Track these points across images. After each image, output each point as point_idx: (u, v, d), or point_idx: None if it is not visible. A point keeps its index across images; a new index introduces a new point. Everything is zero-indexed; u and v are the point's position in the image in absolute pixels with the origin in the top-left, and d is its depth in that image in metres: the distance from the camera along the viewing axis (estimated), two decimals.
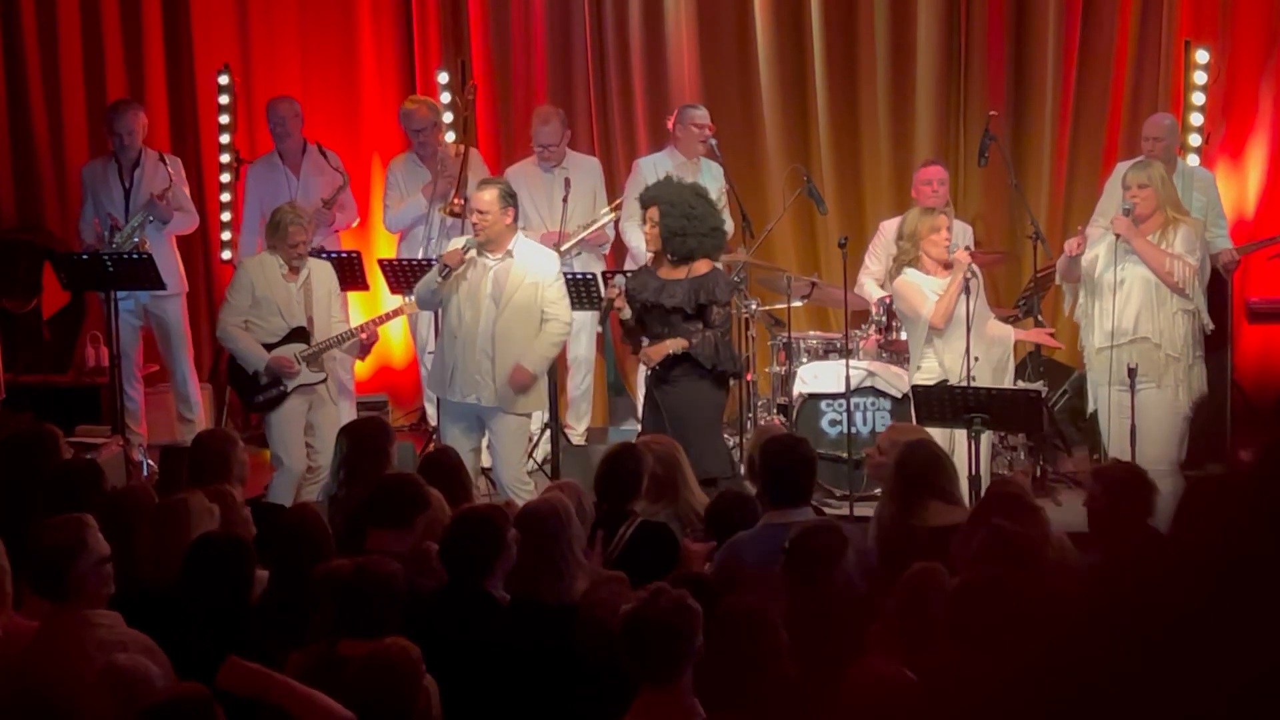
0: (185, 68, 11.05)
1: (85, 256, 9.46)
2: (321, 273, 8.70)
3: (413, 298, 8.63)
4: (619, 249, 10.10)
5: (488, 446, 8.40)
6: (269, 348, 8.50)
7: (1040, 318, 9.37)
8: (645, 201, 8.14)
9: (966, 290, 8.06)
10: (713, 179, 9.85)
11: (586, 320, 9.88)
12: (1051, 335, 8.99)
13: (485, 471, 8.64)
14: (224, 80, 10.78)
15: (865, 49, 10.60)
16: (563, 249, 9.26)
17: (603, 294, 8.53)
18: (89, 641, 4.67)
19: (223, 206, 10.92)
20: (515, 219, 8.24)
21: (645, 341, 8.17)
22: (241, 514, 6.03)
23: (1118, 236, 7.95)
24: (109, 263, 9.27)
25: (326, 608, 4.95)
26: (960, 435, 7.74)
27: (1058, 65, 10.37)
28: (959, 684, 2.04)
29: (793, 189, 9.83)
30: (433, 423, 9.55)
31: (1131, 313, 8.00)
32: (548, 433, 9.25)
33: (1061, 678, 1.86)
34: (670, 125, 10.05)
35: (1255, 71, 10.33)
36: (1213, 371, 8.53)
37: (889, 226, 9.66)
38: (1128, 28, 10.33)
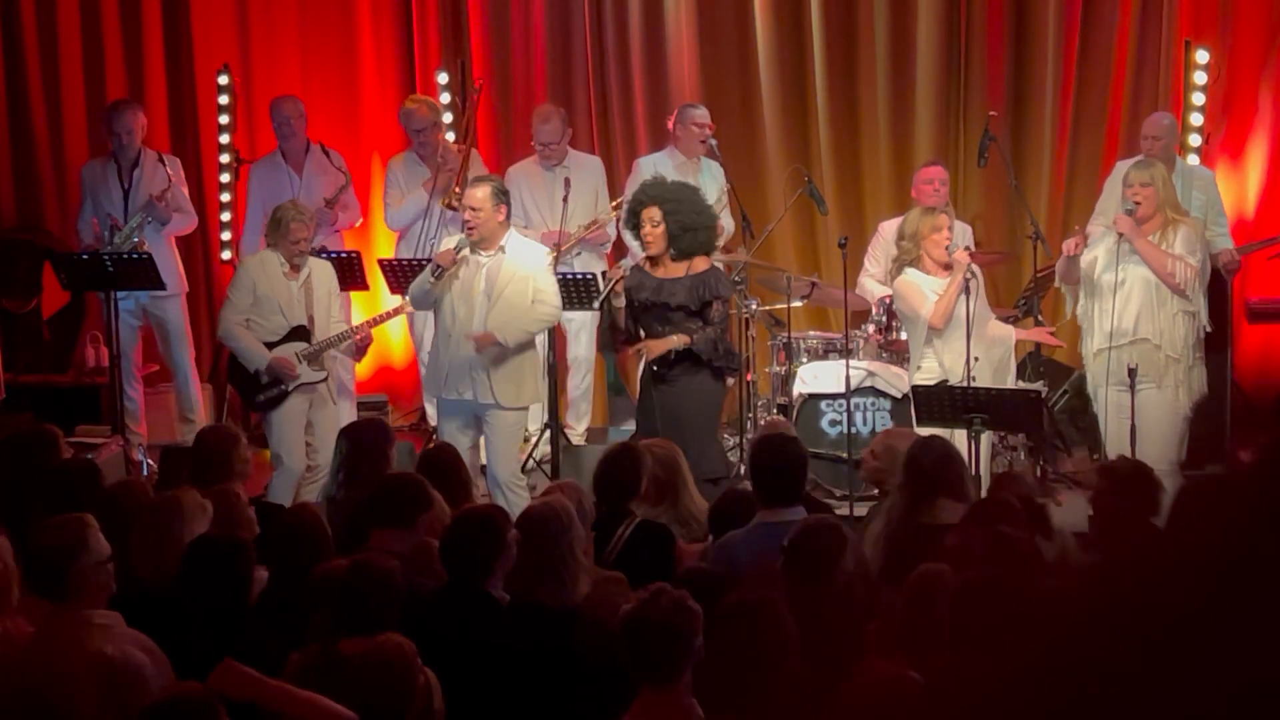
0: (185, 68, 11.04)
1: (85, 257, 9.46)
2: (322, 272, 8.70)
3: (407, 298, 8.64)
4: (619, 249, 10.09)
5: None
6: (270, 346, 8.50)
7: (1040, 318, 9.37)
8: (641, 203, 8.12)
9: (966, 290, 8.08)
10: (713, 179, 9.86)
11: (586, 320, 9.89)
12: (1052, 334, 8.99)
13: (484, 470, 8.63)
14: (224, 80, 10.78)
15: (865, 49, 10.60)
16: (563, 249, 9.27)
17: (602, 289, 8.51)
18: (90, 641, 4.67)
19: (223, 206, 10.92)
20: (507, 216, 8.24)
21: (644, 335, 8.15)
22: (246, 513, 6.03)
23: (1120, 236, 7.94)
24: (109, 263, 9.27)
25: (326, 609, 4.95)
26: (960, 435, 7.74)
27: (1058, 65, 10.37)
28: (962, 685, 2.04)
29: (793, 189, 9.83)
30: (432, 423, 9.55)
31: (1132, 313, 8.00)
32: (548, 433, 9.25)
33: (1062, 678, 1.86)
34: (670, 125, 10.05)
35: (1255, 72, 10.33)
36: (1213, 371, 8.53)
37: (888, 227, 9.66)
38: (1128, 28, 10.33)
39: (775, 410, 9.34)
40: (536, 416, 9.71)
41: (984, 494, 6.88)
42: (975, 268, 8.28)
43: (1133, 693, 1.81)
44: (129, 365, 9.85)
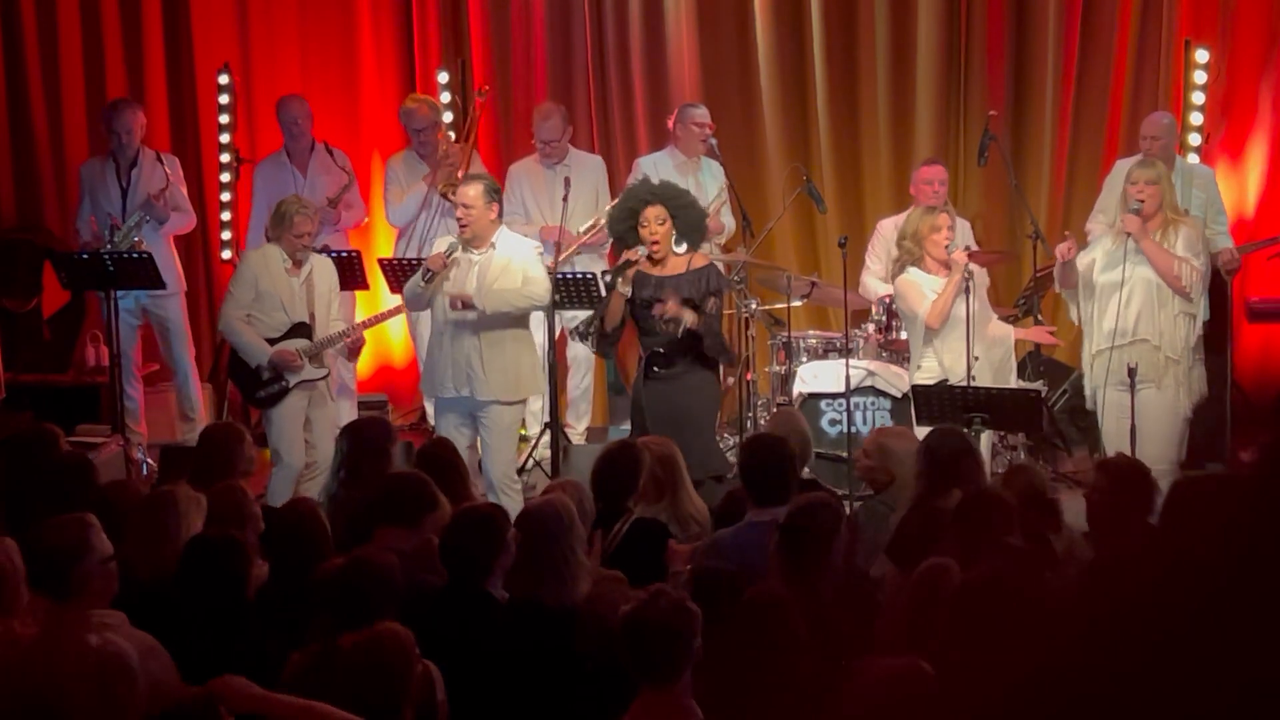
0: (185, 67, 11.05)
1: (85, 256, 9.45)
2: (323, 269, 8.69)
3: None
4: (619, 248, 10.08)
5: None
6: (271, 343, 8.49)
7: (1040, 317, 9.37)
8: (645, 201, 8.10)
9: (967, 290, 8.09)
10: (713, 178, 9.86)
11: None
12: (1051, 334, 8.99)
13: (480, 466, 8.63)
14: (224, 80, 10.79)
15: (865, 48, 10.60)
16: (563, 254, 9.27)
17: (603, 293, 8.51)
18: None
19: (223, 206, 10.92)
20: (499, 215, 8.25)
21: (641, 332, 8.13)
22: (253, 509, 6.02)
23: (1128, 236, 7.92)
24: (109, 262, 9.26)
25: (326, 609, 4.94)
26: None
27: (1058, 65, 10.37)
28: (971, 679, 2.04)
29: (792, 188, 9.82)
30: (432, 422, 9.55)
31: (1132, 313, 7.99)
32: (548, 433, 9.25)
33: (1062, 676, 1.86)
34: (670, 124, 10.05)
35: (1255, 71, 10.33)
36: (1213, 371, 8.53)
37: (887, 225, 9.69)
38: (1128, 27, 10.33)
39: (775, 410, 9.33)
40: (537, 417, 9.72)
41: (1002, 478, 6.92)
42: (975, 267, 8.28)
43: (1133, 692, 1.81)
44: (129, 364, 9.85)
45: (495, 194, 8.21)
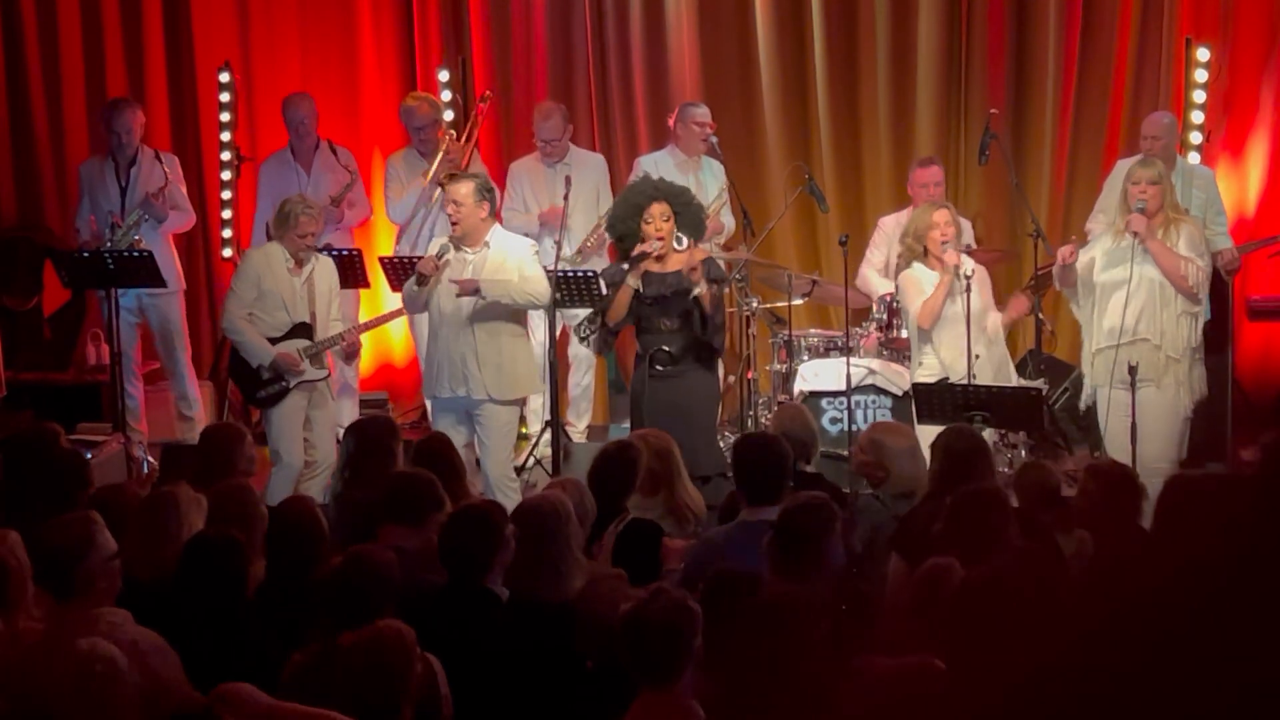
0: (186, 65, 11.04)
1: (86, 255, 9.45)
2: (324, 269, 8.69)
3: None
4: (620, 246, 10.07)
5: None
6: (272, 342, 8.49)
7: (1041, 315, 9.37)
8: (648, 198, 8.10)
9: (967, 289, 8.13)
10: (713, 177, 9.86)
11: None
12: (1027, 296, 8.86)
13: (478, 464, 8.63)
14: (225, 78, 10.78)
15: (866, 47, 10.59)
16: (563, 255, 9.28)
17: (603, 291, 8.51)
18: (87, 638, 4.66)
19: (223, 204, 10.92)
20: (490, 213, 8.25)
21: (642, 329, 8.13)
22: (259, 510, 6.03)
23: (1135, 235, 7.91)
24: (110, 261, 9.26)
25: (326, 610, 4.93)
26: None
27: (1058, 63, 10.36)
28: (969, 677, 2.04)
29: (794, 187, 9.82)
30: (433, 420, 9.55)
31: (1133, 312, 7.98)
32: (548, 431, 9.25)
33: (1062, 675, 1.86)
34: (671, 123, 10.04)
35: (1256, 69, 10.32)
36: (1213, 370, 8.53)
37: (889, 221, 9.72)
38: (1128, 26, 10.33)
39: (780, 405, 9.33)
40: (538, 415, 9.72)
41: (1013, 478, 6.95)
42: (974, 267, 8.30)
43: (1133, 692, 1.81)
44: (129, 363, 9.85)
45: (486, 193, 8.21)
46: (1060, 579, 4.89)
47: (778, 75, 10.65)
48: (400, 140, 10.53)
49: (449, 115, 10.50)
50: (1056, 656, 1.88)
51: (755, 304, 9.51)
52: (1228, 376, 9.42)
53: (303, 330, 8.53)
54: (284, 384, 8.49)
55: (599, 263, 9.70)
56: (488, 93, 10.42)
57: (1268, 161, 10.33)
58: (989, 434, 7.93)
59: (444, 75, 10.75)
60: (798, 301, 9.41)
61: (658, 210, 8.03)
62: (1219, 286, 9.03)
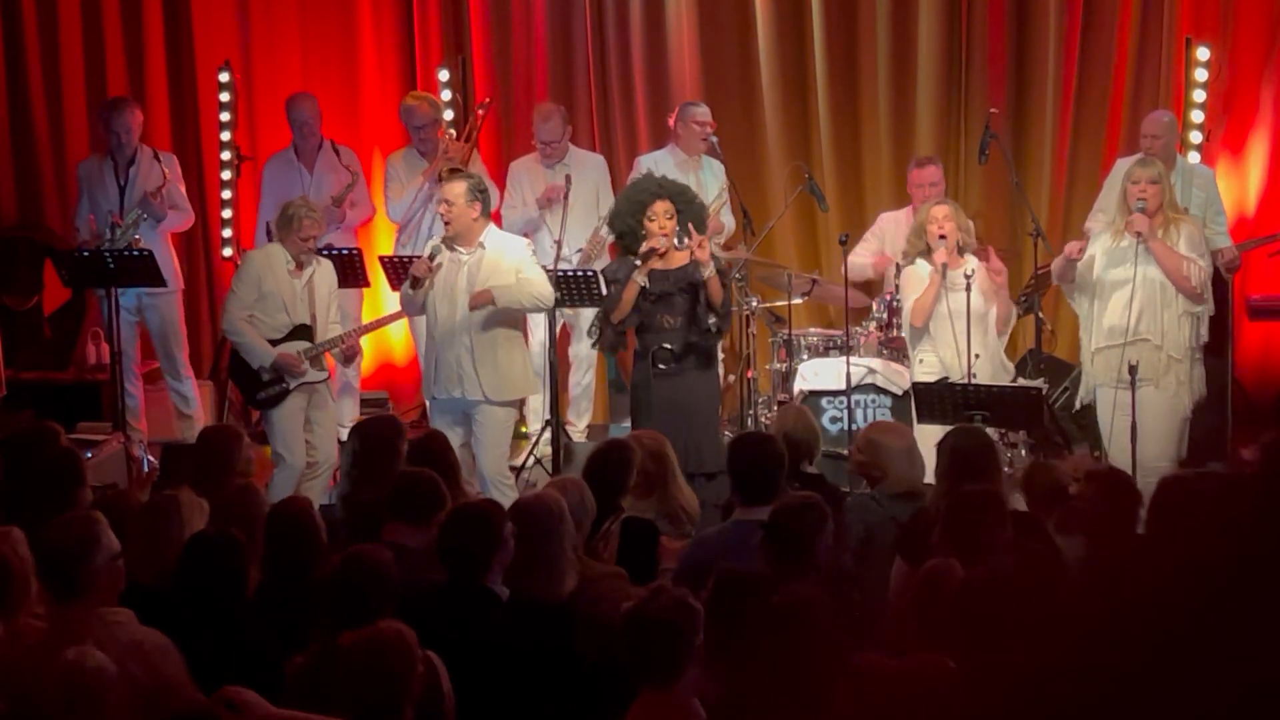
0: (186, 65, 11.05)
1: (86, 254, 9.45)
2: (324, 273, 8.69)
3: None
4: (622, 243, 10.07)
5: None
6: (272, 344, 8.49)
7: (1040, 315, 9.37)
8: (652, 195, 8.10)
9: (967, 288, 8.15)
10: (714, 176, 9.86)
11: (590, 316, 9.88)
12: (1000, 259, 8.84)
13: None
14: (225, 77, 10.79)
15: (866, 46, 10.60)
16: (562, 256, 9.28)
17: (603, 290, 8.51)
18: (106, 639, 4.66)
19: (223, 204, 10.92)
20: (483, 214, 8.23)
21: (645, 326, 8.13)
22: (264, 512, 6.02)
23: (1138, 236, 7.91)
24: (110, 260, 9.26)
25: (323, 609, 4.93)
26: None
27: (1059, 62, 10.37)
28: (969, 677, 2.04)
29: (794, 186, 9.82)
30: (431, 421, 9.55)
31: (1134, 312, 7.99)
32: (548, 430, 9.25)
33: (1062, 675, 1.86)
34: (671, 123, 10.04)
35: (1256, 69, 10.33)
36: (1213, 369, 8.53)
37: (888, 219, 9.74)
38: (1128, 25, 10.33)
39: (776, 408, 9.34)
40: (538, 414, 9.72)
41: (1023, 478, 6.96)
42: (976, 266, 8.31)
43: (1133, 692, 1.81)
44: (129, 362, 9.85)
45: (479, 193, 8.20)
46: (1060, 579, 4.89)
47: (778, 75, 10.65)
48: (400, 140, 10.54)
49: (449, 115, 10.50)
50: (1056, 656, 1.88)
51: (755, 303, 9.52)
52: (1228, 376, 9.42)
53: (303, 332, 8.53)
54: (284, 385, 8.49)
55: (598, 264, 9.70)
56: (487, 100, 10.41)
57: (1268, 161, 10.33)
58: (989, 433, 7.94)
59: (444, 75, 10.76)
60: (797, 301, 9.41)
61: (661, 208, 8.04)
62: (1219, 286, 9.02)
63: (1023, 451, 9.25)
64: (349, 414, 10.01)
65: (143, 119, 10.12)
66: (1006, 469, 8.81)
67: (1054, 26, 10.34)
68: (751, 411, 9.37)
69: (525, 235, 9.41)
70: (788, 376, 9.30)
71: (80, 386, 10.55)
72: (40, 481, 6.26)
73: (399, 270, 9.38)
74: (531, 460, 9.37)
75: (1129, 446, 7.81)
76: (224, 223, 10.94)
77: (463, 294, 8.14)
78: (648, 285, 8.02)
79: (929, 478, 6.71)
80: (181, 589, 5.23)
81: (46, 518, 5.18)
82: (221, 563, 5.25)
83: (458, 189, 8.16)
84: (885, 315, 9.23)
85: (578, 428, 10.21)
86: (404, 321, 10.51)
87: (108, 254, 9.29)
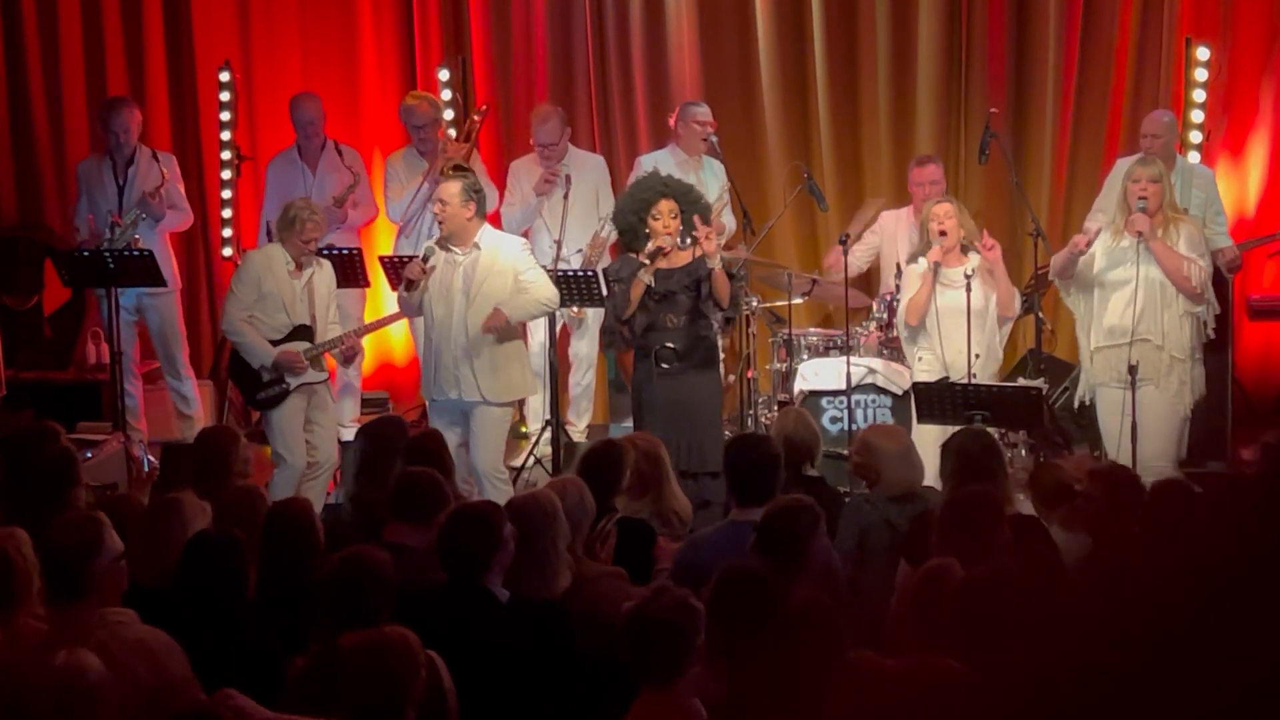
0: (186, 64, 11.05)
1: (86, 254, 9.45)
2: (324, 275, 8.69)
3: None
4: (625, 240, 10.06)
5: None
6: (272, 344, 8.49)
7: (1040, 314, 9.37)
8: (657, 194, 8.10)
9: (967, 288, 8.15)
10: (714, 176, 9.86)
11: (591, 316, 9.88)
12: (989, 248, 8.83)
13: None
14: (225, 77, 10.79)
15: (866, 46, 10.60)
16: (562, 256, 9.28)
17: (604, 290, 8.51)
18: (110, 639, 4.65)
19: (223, 204, 10.92)
20: (477, 214, 8.22)
21: (649, 326, 8.12)
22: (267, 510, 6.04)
23: (1139, 236, 7.91)
24: (110, 260, 9.26)
25: (322, 609, 4.93)
26: None
27: (1059, 62, 10.37)
28: (988, 679, 2.04)
29: (793, 186, 9.82)
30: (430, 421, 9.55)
31: (1135, 312, 7.99)
32: (548, 430, 9.25)
33: (1062, 675, 1.86)
34: (672, 123, 10.04)
35: (1256, 69, 10.33)
36: (1213, 369, 8.53)
37: (888, 217, 9.75)
38: (1128, 25, 10.33)
39: (776, 408, 9.34)
40: (538, 414, 9.72)
41: (1030, 478, 6.99)
42: (975, 267, 8.32)
43: (1133, 692, 1.81)
44: (128, 362, 9.85)
45: (474, 194, 8.18)
46: (1060, 579, 4.89)
47: (778, 75, 10.65)
48: (400, 140, 10.53)
49: (449, 115, 10.50)
50: (1056, 657, 1.88)
51: (755, 303, 9.52)
52: (1228, 376, 9.42)
53: (303, 333, 8.53)
54: (284, 386, 8.49)
55: (599, 266, 9.70)
56: (484, 106, 10.41)
57: (1268, 161, 10.33)
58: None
59: (444, 75, 10.76)
60: (797, 301, 9.42)
61: (665, 207, 8.05)
62: (1219, 286, 9.02)
63: (1023, 451, 9.26)
64: (350, 414, 10.01)
65: (141, 119, 10.12)
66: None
67: (1054, 26, 10.35)
68: (751, 411, 9.37)
69: (524, 233, 9.42)
70: (788, 376, 9.30)
71: (80, 386, 10.55)
72: (34, 481, 6.26)
73: (399, 270, 9.37)
74: (531, 460, 9.37)
75: (1129, 446, 7.81)
76: (224, 223, 10.94)
77: (459, 295, 8.13)
78: (653, 284, 8.02)
79: (929, 479, 6.72)
80: (182, 589, 5.23)
81: (41, 518, 5.18)
82: (222, 563, 5.25)
83: (452, 189, 8.15)
84: (885, 315, 9.23)
85: (578, 428, 10.20)
86: (405, 321, 10.53)
87: (107, 254, 9.29)
